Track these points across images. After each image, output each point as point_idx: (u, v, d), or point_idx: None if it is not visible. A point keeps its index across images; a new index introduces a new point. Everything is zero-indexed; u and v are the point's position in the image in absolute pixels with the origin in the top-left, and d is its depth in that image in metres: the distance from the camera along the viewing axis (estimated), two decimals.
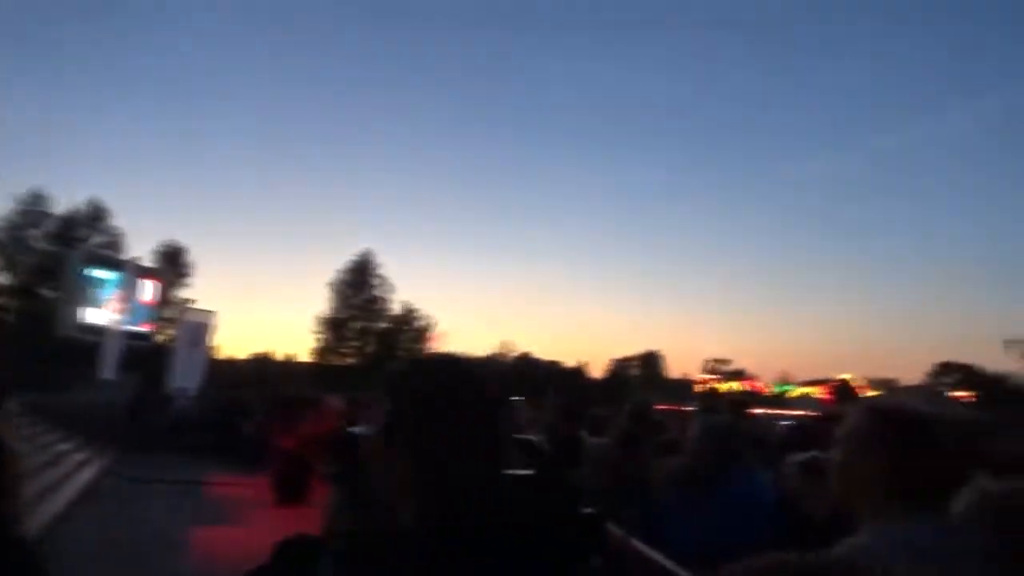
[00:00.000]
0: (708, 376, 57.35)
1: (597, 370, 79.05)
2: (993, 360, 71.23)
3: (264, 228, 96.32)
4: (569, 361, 76.61)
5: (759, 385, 46.18)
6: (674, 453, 3.53)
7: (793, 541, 2.98)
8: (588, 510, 1.77)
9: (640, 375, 78.41)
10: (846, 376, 40.50)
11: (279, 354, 68.39)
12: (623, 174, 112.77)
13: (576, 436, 5.07)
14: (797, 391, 42.52)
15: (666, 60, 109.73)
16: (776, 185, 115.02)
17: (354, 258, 53.65)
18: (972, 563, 1.58)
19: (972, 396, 38.55)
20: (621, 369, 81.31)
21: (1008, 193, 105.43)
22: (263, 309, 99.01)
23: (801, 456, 3.62)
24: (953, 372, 69.59)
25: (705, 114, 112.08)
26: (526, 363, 70.69)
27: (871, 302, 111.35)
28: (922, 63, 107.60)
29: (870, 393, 36.78)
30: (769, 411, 28.57)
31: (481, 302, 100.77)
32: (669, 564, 2.85)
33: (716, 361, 73.71)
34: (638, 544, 3.15)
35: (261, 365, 62.38)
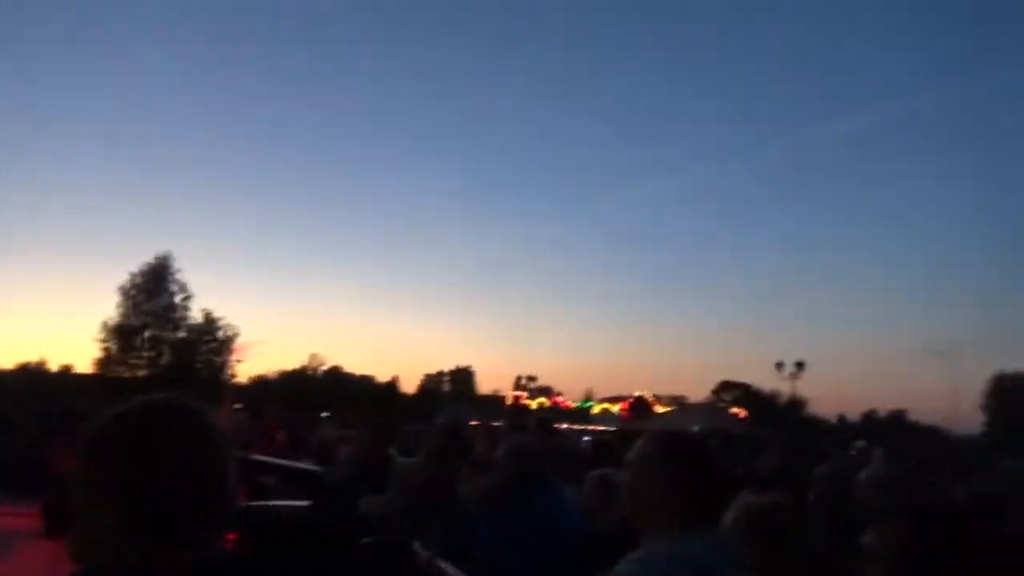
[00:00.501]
0: (517, 392, 58.93)
1: (410, 385, 78.78)
2: (767, 379, 79.97)
3: (43, 227, 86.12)
4: (382, 376, 75.70)
5: (564, 401, 48.09)
6: (484, 472, 3.60)
7: (589, 555, 3.15)
8: (368, 539, 1.78)
9: (451, 390, 79.05)
10: (641, 393, 43.27)
11: (55, 364, 61.61)
12: (433, 189, 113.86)
13: (385, 455, 5.02)
14: (598, 407, 44.73)
15: (473, 74, 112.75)
16: (584, 209, 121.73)
17: (150, 261, 49.45)
18: (735, 573, 1.78)
19: (748, 413, 42.65)
20: (433, 384, 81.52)
21: (779, 230, 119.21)
22: (38, 314, 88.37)
23: (596, 472, 3.83)
24: (732, 390, 76.95)
25: (514, 132, 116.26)
26: (337, 377, 68.79)
27: (664, 323, 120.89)
28: (705, 117, 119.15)
29: (662, 409, 39.56)
30: (573, 426, 29.92)
31: (291, 313, 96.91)
32: None
33: (525, 378, 76.10)
34: (444, 565, 3.17)
35: (33, 376, 55.73)
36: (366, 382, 70.99)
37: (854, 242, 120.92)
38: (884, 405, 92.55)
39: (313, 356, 70.90)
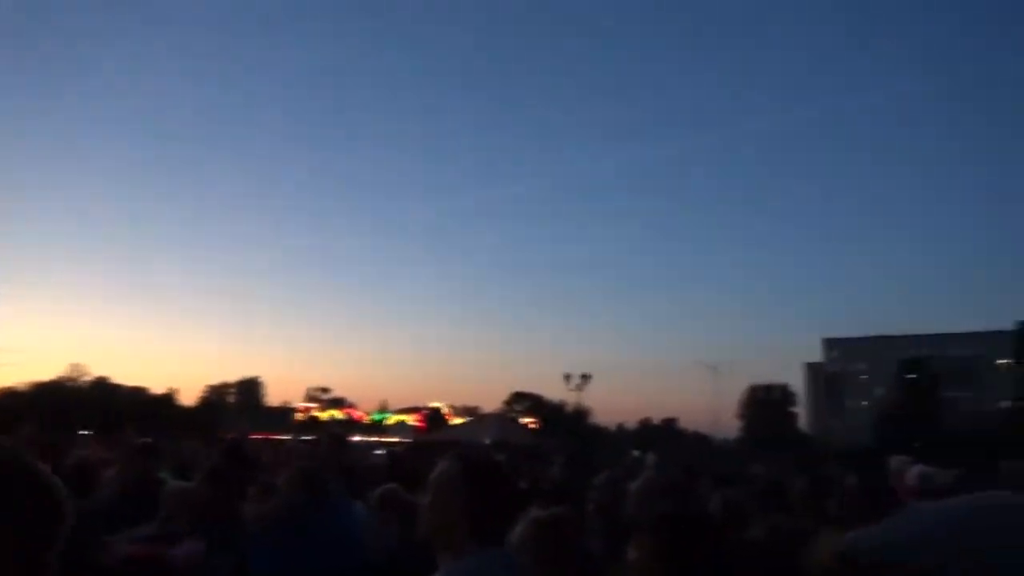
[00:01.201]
0: (309, 404, 56.83)
1: (190, 398, 73.31)
2: (556, 390, 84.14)
3: None
4: (157, 387, 69.67)
5: (359, 413, 47.17)
6: (272, 491, 3.42)
7: (377, 572, 3.09)
8: None
9: (237, 403, 74.69)
10: (437, 404, 43.58)
11: None
12: (209, 188, 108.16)
13: (154, 476, 4.59)
14: (394, 418, 44.39)
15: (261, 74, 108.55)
16: (378, 222, 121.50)
17: None
18: None
19: (538, 423, 44.48)
20: (217, 396, 76.47)
21: (566, 250, 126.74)
22: None
23: (381, 489, 3.79)
24: (524, 400, 79.87)
25: (311, 147, 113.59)
26: (103, 389, 62.31)
27: (460, 335, 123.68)
28: (496, 137, 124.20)
29: (456, 420, 40.21)
30: (368, 438, 29.46)
31: (49, 320, 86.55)
32: None
33: (318, 389, 73.89)
34: None
35: None
36: (138, 394, 64.90)
37: (631, 264, 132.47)
38: (658, 414, 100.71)
39: (74, 366, 63.84)
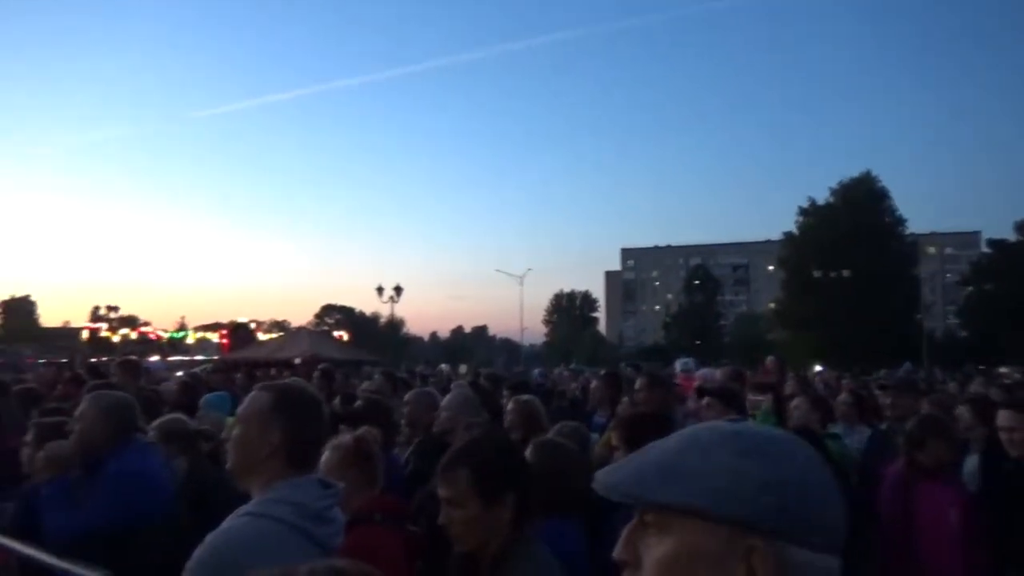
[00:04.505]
0: (95, 324, 52.05)
1: None
2: (368, 303, 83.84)
3: None
4: None
5: (155, 332, 43.91)
6: (61, 434, 3.15)
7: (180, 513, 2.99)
8: None
9: (5, 325, 66.89)
10: (242, 319, 41.56)
11: None
12: None
13: None
14: (194, 336, 41.83)
15: None
16: (172, 121, 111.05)
17: None
18: (338, 514, 1.92)
19: (350, 336, 43.95)
20: None
21: (376, 162, 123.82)
22: None
23: (160, 420, 3.62)
24: (335, 313, 78.62)
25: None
26: None
27: (264, 248, 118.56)
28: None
29: (264, 336, 38.73)
30: (169, 359, 27.59)
31: None
32: (44, 556, 2.59)
33: (105, 308, 68.01)
34: (3, 540, 2.79)
35: None
36: None
37: (443, 176, 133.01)
38: (469, 322, 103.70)
39: None
